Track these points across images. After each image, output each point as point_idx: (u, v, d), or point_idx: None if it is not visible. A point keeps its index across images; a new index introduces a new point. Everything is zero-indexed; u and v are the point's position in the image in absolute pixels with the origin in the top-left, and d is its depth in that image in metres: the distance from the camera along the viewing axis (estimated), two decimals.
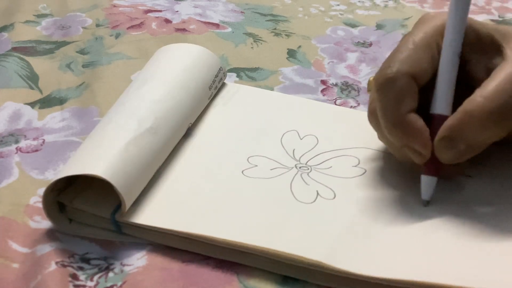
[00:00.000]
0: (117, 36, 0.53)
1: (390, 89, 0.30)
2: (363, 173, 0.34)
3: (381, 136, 0.34)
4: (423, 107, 0.31)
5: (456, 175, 0.34)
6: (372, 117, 0.33)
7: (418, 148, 0.31)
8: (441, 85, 0.31)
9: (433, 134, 0.30)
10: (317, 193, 0.33)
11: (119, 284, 0.29)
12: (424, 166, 0.31)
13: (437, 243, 0.30)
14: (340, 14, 0.59)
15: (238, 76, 0.47)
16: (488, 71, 0.30)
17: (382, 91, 0.31)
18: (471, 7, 0.59)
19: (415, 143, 0.30)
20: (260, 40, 0.53)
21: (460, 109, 0.30)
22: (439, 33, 0.31)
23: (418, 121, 0.30)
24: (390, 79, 0.30)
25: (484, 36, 0.32)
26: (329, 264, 0.28)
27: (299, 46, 0.52)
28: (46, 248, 0.30)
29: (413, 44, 0.31)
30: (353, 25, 0.57)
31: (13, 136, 0.39)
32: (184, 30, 0.54)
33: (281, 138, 0.38)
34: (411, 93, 0.30)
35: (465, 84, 0.31)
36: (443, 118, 0.30)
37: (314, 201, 0.32)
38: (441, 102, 0.31)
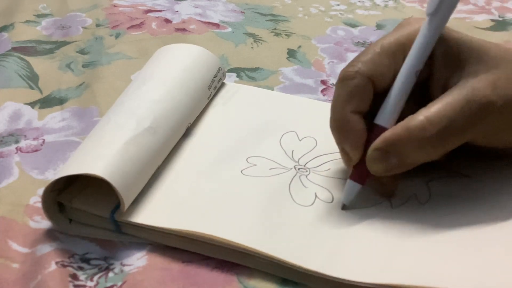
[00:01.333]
0: (117, 36, 0.53)
1: (345, 85, 0.31)
2: None
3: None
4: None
5: (384, 194, 0.33)
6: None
7: (347, 149, 0.31)
8: (391, 97, 0.31)
9: (369, 143, 0.30)
10: (315, 196, 0.33)
11: (119, 284, 0.29)
12: (352, 170, 0.32)
13: (435, 246, 0.29)
14: (340, 14, 0.59)
15: (238, 76, 0.47)
16: (444, 90, 0.30)
17: (337, 86, 0.31)
18: (471, 7, 0.60)
19: (346, 143, 0.31)
20: (260, 40, 0.53)
21: (401, 124, 0.30)
22: (409, 42, 0.31)
23: (358, 123, 0.31)
24: (347, 76, 0.31)
25: (453, 52, 0.31)
26: (327, 273, 0.28)
27: (299, 46, 0.52)
28: (46, 248, 0.30)
29: (380, 48, 0.31)
30: (353, 25, 0.57)
31: (13, 136, 0.39)
32: (184, 30, 0.54)
33: (280, 139, 0.38)
34: (364, 95, 0.31)
35: (422, 97, 0.31)
36: (383, 130, 0.30)
37: (312, 204, 0.32)
38: (385, 114, 0.31)
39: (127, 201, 0.30)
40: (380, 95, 0.31)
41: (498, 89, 0.29)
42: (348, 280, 0.28)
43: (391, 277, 0.28)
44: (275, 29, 0.55)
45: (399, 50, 0.31)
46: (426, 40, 0.30)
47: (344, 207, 0.32)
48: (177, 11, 0.59)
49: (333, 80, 0.46)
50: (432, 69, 0.31)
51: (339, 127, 0.31)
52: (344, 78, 0.31)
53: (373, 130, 0.31)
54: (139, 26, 0.55)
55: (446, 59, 0.31)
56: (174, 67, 0.39)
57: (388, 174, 0.30)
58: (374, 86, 0.31)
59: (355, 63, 0.31)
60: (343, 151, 0.32)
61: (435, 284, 0.27)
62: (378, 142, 0.30)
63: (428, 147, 0.29)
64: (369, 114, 0.31)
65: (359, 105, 0.31)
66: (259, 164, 0.35)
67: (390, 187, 0.33)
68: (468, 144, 0.30)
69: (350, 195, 0.32)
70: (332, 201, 0.32)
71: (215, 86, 0.41)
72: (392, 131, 0.30)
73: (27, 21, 0.55)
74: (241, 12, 0.59)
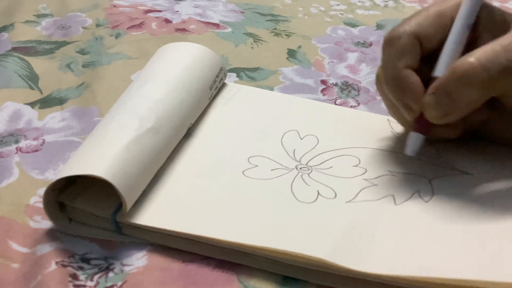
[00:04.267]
0: (117, 36, 0.53)
1: (393, 45, 0.32)
2: (364, 173, 0.34)
3: (384, 99, 0.35)
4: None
5: (454, 135, 0.34)
6: (377, 80, 0.35)
7: (408, 102, 0.32)
8: (446, 50, 0.32)
9: None
10: (318, 193, 0.33)
11: (119, 284, 0.29)
12: (414, 123, 0.33)
13: (439, 239, 0.30)
14: (340, 14, 0.59)
15: (238, 76, 0.47)
16: None
17: (386, 46, 0.33)
18: None
19: (407, 96, 0.32)
20: (260, 40, 0.53)
21: (449, 67, 0.31)
22: (456, 8, 0.33)
23: (412, 76, 0.32)
24: (394, 36, 0.32)
25: (497, 15, 0.32)
26: (331, 261, 0.28)
27: (299, 46, 0.52)
28: (46, 248, 0.30)
29: (426, 12, 0.33)
30: (353, 25, 0.57)
31: (13, 136, 0.39)
32: (184, 30, 0.54)
33: (282, 138, 0.38)
34: (412, 52, 0.32)
35: None
36: None
37: (315, 200, 0.32)
38: (441, 65, 0.32)
39: (129, 203, 0.30)
40: (430, 58, 0.32)
41: None
42: (352, 270, 0.28)
43: (396, 269, 0.28)
44: (275, 29, 0.55)
45: (447, 13, 0.33)
46: None
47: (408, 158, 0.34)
48: (177, 11, 0.59)
49: (333, 80, 0.46)
50: (477, 34, 0.33)
51: (396, 83, 0.32)
52: (391, 38, 0.33)
53: (430, 82, 0.32)
54: (139, 26, 0.55)
55: (493, 20, 0.32)
56: (177, 66, 0.39)
57: (446, 121, 0.31)
58: (421, 44, 0.32)
59: (400, 25, 0.33)
60: (404, 106, 0.32)
61: (439, 275, 0.27)
62: (430, 87, 0.31)
63: (475, 85, 0.30)
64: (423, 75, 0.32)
65: (410, 61, 0.32)
66: (260, 164, 0.35)
67: (452, 133, 0.34)
68: (493, 129, 0.33)
69: (414, 146, 0.33)
70: (335, 197, 0.32)
71: (216, 87, 0.41)
72: (442, 76, 0.31)
73: (27, 21, 0.55)
74: (241, 12, 0.59)
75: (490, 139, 0.35)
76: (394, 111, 0.36)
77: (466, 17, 0.32)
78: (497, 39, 0.30)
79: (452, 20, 0.32)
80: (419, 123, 0.32)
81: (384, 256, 0.29)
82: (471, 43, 0.32)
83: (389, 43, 0.33)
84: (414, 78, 0.32)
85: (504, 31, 0.31)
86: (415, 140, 0.33)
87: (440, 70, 0.32)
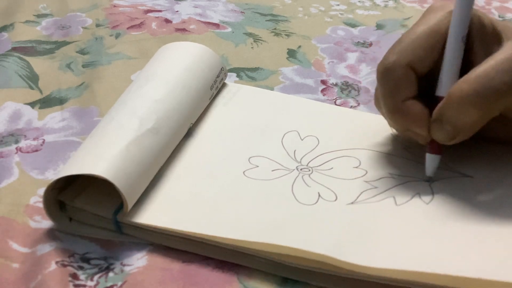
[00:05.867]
0: (117, 36, 0.53)
1: (388, 79, 0.32)
2: (364, 174, 0.34)
3: (390, 124, 0.35)
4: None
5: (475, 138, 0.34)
6: (378, 103, 0.35)
7: (417, 131, 0.32)
8: (445, 68, 0.32)
9: None
10: (319, 195, 0.33)
11: (119, 284, 0.29)
12: (428, 145, 0.33)
13: (440, 238, 0.30)
14: (340, 14, 0.59)
15: (238, 76, 0.47)
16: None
17: (381, 80, 0.33)
18: None
19: (414, 126, 0.32)
20: (260, 40, 0.53)
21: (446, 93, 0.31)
22: (446, 21, 0.32)
23: (415, 106, 0.32)
24: (387, 69, 0.32)
25: (488, 25, 0.32)
26: (334, 256, 0.28)
27: (299, 46, 0.52)
28: (46, 248, 0.30)
29: (414, 34, 0.32)
30: (353, 25, 0.57)
31: (13, 136, 0.39)
32: (184, 30, 0.54)
33: (282, 138, 0.38)
34: (408, 82, 0.32)
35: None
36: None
37: (316, 202, 0.32)
38: (443, 84, 0.32)
39: (130, 202, 0.30)
40: (431, 74, 0.32)
41: None
42: (354, 265, 0.27)
43: (395, 263, 0.28)
44: (275, 29, 0.55)
45: (437, 32, 0.32)
46: (465, 4, 0.31)
47: (430, 180, 0.33)
48: (177, 11, 0.59)
49: (333, 80, 0.46)
50: (469, 46, 0.32)
51: (399, 116, 0.32)
52: (384, 71, 0.32)
53: (436, 102, 0.32)
54: (139, 26, 0.55)
55: (484, 31, 0.32)
56: (177, 66, 0.39)
57: (455, 142, 0.31)
58: (415, 72, 0.32)
59: (390, 54, 0.32)
60: (414, 134, 0.33)
61: (440, 271, 0.27)
62: (434, 113, 0.31)
63: (470, 109, 0.30)
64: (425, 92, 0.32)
65: (408, 92, 0.32)
66: (261, 165, 0.35)
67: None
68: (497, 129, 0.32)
69: (432, 167, 0.33)
70: (336, 199, 0.32)
71: (216, 87, 0.41)
72: (441, 103, 0.31)
73: (27, 21, 0.55)
74: (241, 12, 0.59)
75: (491, 139, 0.35)
76: (403, 133, 0.35)
77: (459, 31, 0.31)
78: (488, 59, 0.30)
79: (443, 35, 0.32)
80: (433, 145, 0.33)
81: (384, 252, 0.29)
82: (464, 54, 0.32)
83: (384, 76, 0.32)
84: (417, 107, 0.32)
85: (495, 41, 0.31)
86: (432, 161, 0.33)
87: (443, 89, 0.32)
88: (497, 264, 0.28)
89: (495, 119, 0.31)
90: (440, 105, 0.31)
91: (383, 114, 0.35)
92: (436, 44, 0.32)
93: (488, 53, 0.31)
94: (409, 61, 0.32)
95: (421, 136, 0.32)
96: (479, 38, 0.32)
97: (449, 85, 0.32)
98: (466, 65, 0.32)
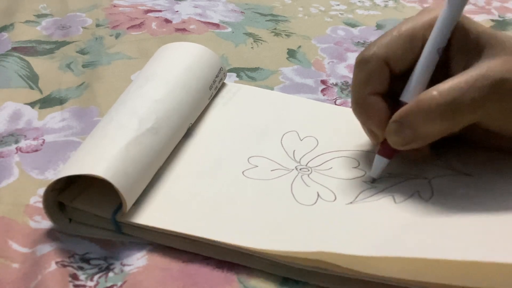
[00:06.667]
0: (117, 36, 0.53)
1: (362, 69, 0.32)
2: (363, 175, 0.34)
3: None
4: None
5: (421, 159, 0.34)
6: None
7: (372, 128, 0.32)
8: (415, 75, 0.32)
9: None
10: (318, 195, 0.33)
11: (119, 284, 0.29)
12: (379, 146, 0.33)
13: (439, 234, 0.30)
14: (340, 14, 0.59)
15: (238, 76, 0.47)
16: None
17: (355, 69, 0.33)
18: (471, 7, 0.60)
19: (371, 123, 0.32)
20: (260, 40, 0.53)
21: (415, 98, 0.31)
22: (429, 27, 0.32)
23: (378, 103, 0.32)
24: (364, 60, 0.32)
25: (472, 37, 0.32)
26: (331, 251, 0.28)
27: (299, 46, 0.52)
28: (46, 248, 0.30)
29: (397, 32, 0.32)
30: (353, 25, 0.57)
31: (13, 136, 0.39)
32: (184, 30, 0.54)
33: (281, 138, 0.38)
34: (380, 77, 0.32)
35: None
36: None
37: (315, 203, 0.32)
38: (408, 91, 0.32)
39: (129, 203, 0.30)
40: (403, 77, 0.32)
41: None
42: (351, 256, 0.28)
43: (394, 252, 0.28)
44: (275, 29, 0.55)
45: (418, 35, 0.32)
46: (448, 17, 0.31)
47: (374, 181, 0.34)
48: (177, 11, 0.59)
49: (333, 80, 0.46)
50: (450, 56, 0.32)
51: (360, 109, 0.33)
52: (360, 61, 0.32)
53: (398, 107, 0.31)
54: (139, 26, 0.55)
55: (466, 43, 0.32)
56: (176, 66, 0.39)
57: (408, 148, 0.31)
58: (390, 69, 0.32)
59: (371, 47, 0.32)
60: (368, 131, 0.33)
61: (441, 257, 0.27)
62: (394, 115, 0.31)
63: (437, 119, 0.30)
64: (394, 95, 0.32)
65: (377, 87, 0.32)
66: (260, 165, 0.35)
67: (419, 156, 0.34)
68: (477, 134, 0.32)
69: (378, 169, 0.33)
70: (334, 200, 0.33)
71: (216, 87, 0.41)
72: (407, 105, 0.31)
73: (27, 21, 0.55)
74: (241, 12, 0.59)
75: (478, 143, 0.35)
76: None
77: (436, 42, 0.31)
78: (463, 73, 0.30)
79: (423, 40, 0.32)
80: (384, 147, 0.33)
81: (384, 250, 0.29)
82: (443, 65, 0.32)
83: (358, 66, 0.32)
84: (379, 106, 0.32)
85: (476, 54, 0.31)
86: (379, 163, 0.33)
87: (407, 96, 0.32)
88: (496, 260, 0.28)
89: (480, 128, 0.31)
90: (404, 108, 0.31)
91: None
92: (415, 47, 0.32)
93: (468, 65, 0.31)
94: (386, 56, 0.32)
95: (374, 135, 0.33)
96: (460, 50, 0.32)
97: (415, 92, 0.31)
98: (445, 73, 0.32)
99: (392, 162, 0.35)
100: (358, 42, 0.53)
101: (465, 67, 0.31)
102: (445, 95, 0.29)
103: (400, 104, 0.32)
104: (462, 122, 0.30)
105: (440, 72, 0.32)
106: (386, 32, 0.33)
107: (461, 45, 0.32)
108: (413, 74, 0.32)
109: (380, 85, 0.32)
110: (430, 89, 0.30)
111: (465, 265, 0.27)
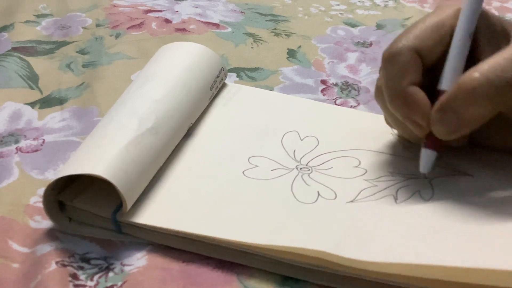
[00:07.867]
0: (117, 36, 0.53)
1: (394, 63, 0.32)
2: (364, 173, 0.34)
3: (387, 115, 0.35)
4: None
5: (460, 143, 0.34)
6: (378, 93, 0.34)
7: (417, 120, 0.31)
8: (450, 62, 0.32)
9: None
10: (318, 194, 0.33)
11: (119, 284, 0.29)
12: (425, 140, 0.32)
13: (439, 234, 0.30)
14: (340, 14, 0.59)
15: (238, 76, 0.47)
16: None
17: (387, 64, 0.32)
18: None
19: (415, 114, 0.31)
20: (260, 40, 0.53)
21: (455, 83, 0.30)
22: (454, 17, 0.32)
23: (418, 93, 0.31)
24: (394, 53, 0.32)
25: (495, 23, 0.32)
26: (333, 253, 0.28)
27: (299, 46, 0.52)
28: (46, 248, 0.30)
29: (423, 24, 0.32)
30: (353, 25, 0.57)
31: (13, 136, 0.39)
32: (184, 30, 0.54)
33: (282, 138, 0.38)
34: (414, 68, 0.31)
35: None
36: None
37: (315, 201, 0.32)
38: (445, 78, 0.32)
39: (129, 202, 0.30)
40: (432, 70, 0.32)
41: None
42: (355, 260, 0.28)
43: (395, 260, 0.28)
44: (275, 29, 0.55)
45: (445, 25, 0.32)
46: (475, 1, 0.31)
47: (424, 177, 0.33)
48: (177, 11, 0.59)
49: (333, 80, 0.46)
50: (477, 42, 0.32)
51: (402, 102, 0.31)
52: (390, 55, 0.32)
53: (437, 96, 0.31)
54: (139, 26, 0.55)
55: (492, 28, 0.32)
56: (177, 66, 0.39)
57: (454, 136, 0.31)
58: (422, 59, 0.32)
59: (398, 40, 0.32)
60: (413, 123, 0.32)
61: (441, 263, 0.27)
62: (437, 104, 0.30)
63: (482, 100, 0.29)
64: (428, 88, 0.32)
65: (413, 77, 0.31)
66: (260, 164, 0.35)
67: (461, 141, 0.34)
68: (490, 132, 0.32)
69: (428, 164, 0.32)
70: (335, 198, 0.33)
71: (216, 87, 0.41)
72: (448, 92, 0.30)
73: (27, 21, 0.55)
74: (241, 12, 0.59)
75: (489, 146, 0.35)
76: (399, 126, 0.35)
77: (467, 27, 0.31)
78: (500, 52, 0.29)
79: (451, 30, 0.32)
80: (430, 140, 0.32)
81: (384, 250, 0.29)
82: (470, 52, 0.32)
83: (390, 60, 0.32)
84: (421, 95, 0.31)
85: (503, 39, 0.31)
86: (428, 157, 0.32)
87: (446, 83, 0.31)
88: (496, 259, 0.28)
89: (492, 123, 0.31)
90: (445, 95, 0.30)
91: (382, 106, 0.34)
92: (444, 36, 0.32)
93: (497, 48, 0.31)
94: (417, 47, 0.31)
95: (419, 127, 0.32)
96: (487, 36, 0.32)
97: (452, 79, 0.31)
98: (472, 63, 0.31)
99: (392, 162, 0.35)
100: (358, 42, 0.53)
101: (494, 50, 0.30)
102: (486, 73, 0.29)
103: (438, 93, 0.31)
104: (506, 101, 0.29)
105: (468, 60, 0.32)
106: (408, 26, 0.33)
107: (486, 31, 0.32)
108: (448, 61, 0.32)
109: (416, 77, 0.31)
110: (469, 71, 0.29)
111: (465, 271, 0.27)
